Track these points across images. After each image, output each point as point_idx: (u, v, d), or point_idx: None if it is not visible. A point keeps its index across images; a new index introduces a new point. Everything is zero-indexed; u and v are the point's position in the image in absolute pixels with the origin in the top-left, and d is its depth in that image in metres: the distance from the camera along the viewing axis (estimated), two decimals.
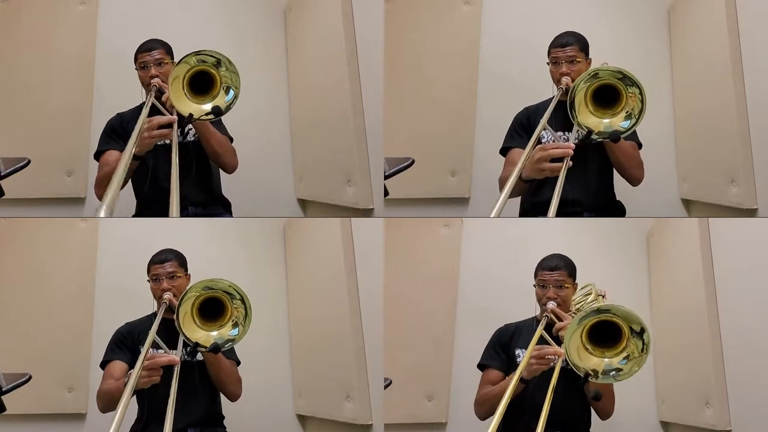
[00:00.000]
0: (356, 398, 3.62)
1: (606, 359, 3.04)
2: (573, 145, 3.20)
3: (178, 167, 3.29)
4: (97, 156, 3.52)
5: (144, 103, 3.43)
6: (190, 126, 3.40)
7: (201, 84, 3.30)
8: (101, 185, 3.45)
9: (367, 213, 3.67)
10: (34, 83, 3.93)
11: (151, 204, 3.45)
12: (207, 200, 3.53)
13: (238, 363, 3.43)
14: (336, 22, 3.71)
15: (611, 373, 3.02)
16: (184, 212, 3.42)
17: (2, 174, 3.56)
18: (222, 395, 3.41)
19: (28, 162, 3.66)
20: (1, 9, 3.91)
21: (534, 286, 3.34)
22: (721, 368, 3.60)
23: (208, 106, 3.31)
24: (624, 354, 3.02)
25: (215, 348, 3.18)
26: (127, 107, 3.56)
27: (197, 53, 3.27)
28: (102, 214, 3.11)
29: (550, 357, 3.11)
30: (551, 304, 3.26)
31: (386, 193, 3.64)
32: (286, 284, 3.93)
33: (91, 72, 3.95)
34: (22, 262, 3.85)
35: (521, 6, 4.01)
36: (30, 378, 3.61)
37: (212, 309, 3.19)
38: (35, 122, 3.92)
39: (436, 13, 4.00)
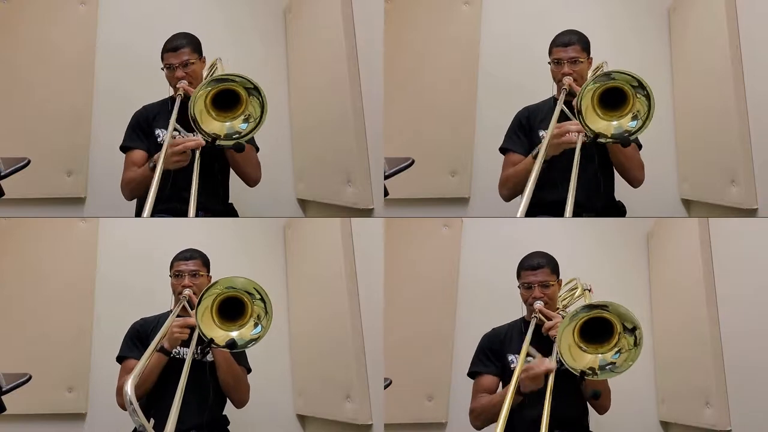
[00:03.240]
0: (356, 398, 3.62)
1: (600, 355, 3.04)
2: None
3: (198, 171, 3.30)
4: (123, 149, 3.51)
5: (170, 97, 3.45)
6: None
7: (227, 102, 3.29)
8: (126, 187, 3.46)
9: (367, 213, 3.67)
10: (34, 83, 3.92)
11: (161, 202, 3.38)
12: (220, 211, 3.53)
13: (249, 371, 3.43)
14: (336, 22, 3.71)
15: (607, 368, 3.02)
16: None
17: (2, 174, 3.56)
18: (228, 401, 3.42)
19: (28, 162, 3.66)
20: (1, 9, 3.91)
21: (518, 287, 3.34)
22: (721, 368, 3.61)
23: (237, 123, 3.29)
24: (616, 348, 3.03)
25: (232, 344, 3.17)
26: (127, 107, 3.57)
27: (219, 79, 3.27)
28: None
29: (540, 371, 3.06)
30: (538, 304, 3.25)
31: (386, 193, 3.64)
32: (286, 284, 3.93)
33: (91, 72, 3.95)
34: (22, 262, 3.84)
35: (521, 6, 4.01)
36: (30, 378, 3.61)
37: (233, 309, 3.18)
38: (35, 122, 3.91)
39: (436, 13, 4.00)
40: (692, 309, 3.67)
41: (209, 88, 3.27)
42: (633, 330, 3.01)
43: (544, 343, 3.19)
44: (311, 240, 3.87)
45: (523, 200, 3.16)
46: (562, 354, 3.00)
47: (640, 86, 3.16)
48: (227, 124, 3.28)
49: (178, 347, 3.29)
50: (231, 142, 3.30)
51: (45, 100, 3.93)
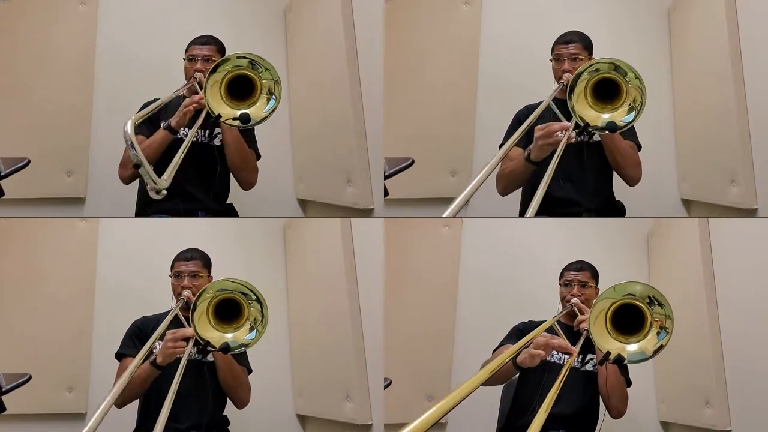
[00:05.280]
0: (356, 398, 3.62)
1: (630, 345, 3.05)
2: (569, 124, 3.20)
3: (182, 159, 3.29)
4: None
5: (178, 91, 3.44)
6: (218, 130, 3.40)
7: (241, 89, 3.27)
8: (125, 166, 3.44)
9: (367, 213, 3.67)
10: (34, 83, 3.93)
11: (161, 201, 3.37)
12: (219, 212, 3.53)
13: (250, 371, 3.42)
14: (336, 22, 3.71)
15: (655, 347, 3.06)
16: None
17: (2, 174, 3.57)
18: (229, 401, 3.41)
19: (28, 162, 3.67)
20: (1, 9, 3.91)
21: (559, 285, 3.37)
22: (721, 368, 3.61)
23: (260, 108, 3.28)
24: (654, 331, 3.06)
25: (225, 348, 3.15)
26: (127, 107, 3.56)
27: (241, 56, 3.25)
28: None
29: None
30: (575, 300, 3.32)
31: (386, 193, 3.64)
32: (286, 284, 3.93)
33: (91, 72, 3.95)
34: (22, 262, 3.84)
35: (521, 6, 4.02)
36: (30, 378, 3.61)
37: (229, 311, 3.17)
38: (35, 122, 3.92)
39: (436, 13, 4.00)
40: (692, 309, 3.67)
41: (223, 73, 3.25)
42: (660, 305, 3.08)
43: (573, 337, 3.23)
44: (311, 240, 3.87)
45: (533, 204, 3.14)
46: (591, 329, 3.04)
47: (618, 69, 3.17)
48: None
49: None
50: (236, 121, 3.27)
51: (45, 100, 3.93)
